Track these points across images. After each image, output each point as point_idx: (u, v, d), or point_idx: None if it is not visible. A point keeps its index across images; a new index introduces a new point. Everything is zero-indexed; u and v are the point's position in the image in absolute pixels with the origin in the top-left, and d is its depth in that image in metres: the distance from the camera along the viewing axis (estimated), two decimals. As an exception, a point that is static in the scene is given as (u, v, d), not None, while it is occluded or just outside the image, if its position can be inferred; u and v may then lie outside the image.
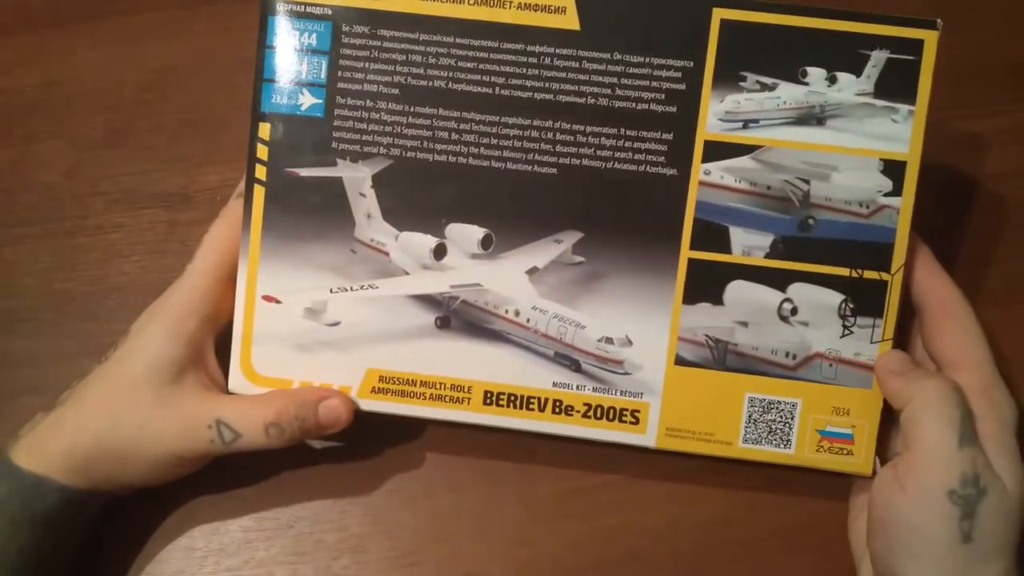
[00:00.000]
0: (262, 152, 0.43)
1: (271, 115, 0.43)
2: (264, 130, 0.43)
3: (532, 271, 0.43)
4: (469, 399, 0.43)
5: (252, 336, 0.43)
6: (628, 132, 0.42)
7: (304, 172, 0.43)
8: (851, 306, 0.42)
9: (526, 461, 0.45)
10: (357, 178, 0.43)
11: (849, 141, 0.42)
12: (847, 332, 0.42)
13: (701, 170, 0.42)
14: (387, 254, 0.44)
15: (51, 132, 0.51)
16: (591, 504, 0.44)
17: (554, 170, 0.43)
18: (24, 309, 0.48)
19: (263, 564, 0.43)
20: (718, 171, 0.42)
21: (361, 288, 0.43)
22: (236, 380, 0.43)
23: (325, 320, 0.43)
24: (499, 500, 0.44)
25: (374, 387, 0.43)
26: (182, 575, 0.42)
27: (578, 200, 0.43)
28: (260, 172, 0.43)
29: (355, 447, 0.45)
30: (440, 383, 0.43)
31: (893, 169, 0.42)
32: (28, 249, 0.49)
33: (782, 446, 0.43)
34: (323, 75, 0.43)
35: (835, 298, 0.42)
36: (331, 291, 0.43)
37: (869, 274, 0.42)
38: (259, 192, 0.43)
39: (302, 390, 0.43)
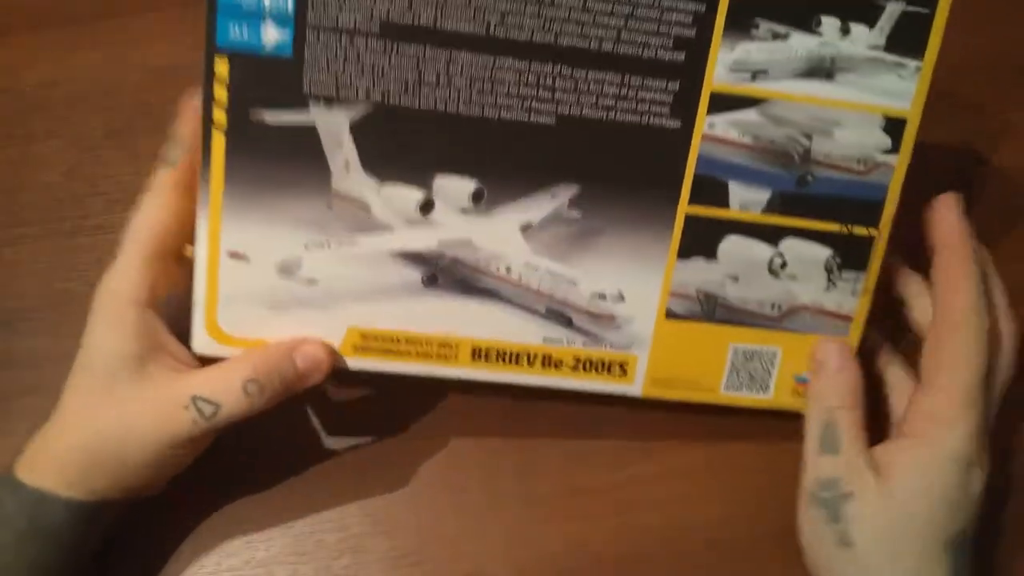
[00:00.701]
0: (220, 93, 0.37)
1: (229, 51, 0.37)
2: (221, 66, 0.37)
3: (525, 227, 0.41)
4: (456, 355, 0.42)
5: (217, 295, 0.40)
6: (632, 81, 0.39)
7: (271, 118, 0.38)
8: (838, 260, 0.42)
9: (527, 460, 0.45)
10: (333, 125, 0.38)
11: (855, 96, 0.40)
12: (831, 285, 0.43)
13: (706, 123, 0.40)
14: (368, 209, 0.40)
15: (51, 132, 0.50)
16: (591, 504, 0.44)
17: (552, 120, 0.39)
18: (24, 309, 0.47)
19: (263, 564, 0.42)
20: (723, 124, 0.40)
21: (340, 244, 0.40)
22: (201, 341, 0.40)
23: (300, 278, 0.40)
24: (499, 500, 0.44)
25: (356, 345, 0.41)
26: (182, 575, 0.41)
27: (576, 153, 0.40)
28: (219, 117, 0.38)
29: (355, 447, 0.45)
30: (426, 340, 0.42)
31: (894, 126, 0.41)
32: (28, 249, 0.48)
33: (761, 392, 0.44)
34: (289, 6, 0.37)
35: (823, 252, 0.42)
36: (306, 247, 0.40)
37: (858, 230, 0.42)
38: (219, 139, 0.38)
39: (274, 343, 0.40)
